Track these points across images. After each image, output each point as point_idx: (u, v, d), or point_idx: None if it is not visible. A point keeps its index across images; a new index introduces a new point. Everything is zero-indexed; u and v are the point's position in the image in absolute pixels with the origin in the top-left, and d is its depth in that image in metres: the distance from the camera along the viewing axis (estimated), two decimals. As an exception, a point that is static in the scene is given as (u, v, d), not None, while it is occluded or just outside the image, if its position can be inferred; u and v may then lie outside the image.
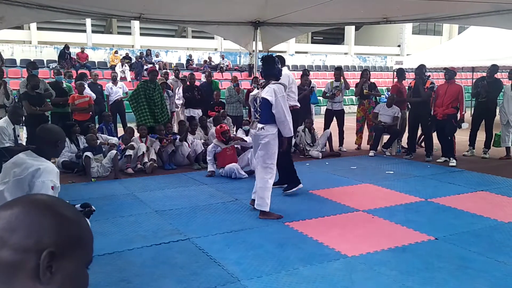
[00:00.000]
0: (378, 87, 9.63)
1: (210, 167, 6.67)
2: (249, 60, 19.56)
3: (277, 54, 5.56)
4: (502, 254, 3.60)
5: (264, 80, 4.74)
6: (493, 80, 7.94)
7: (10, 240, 0.74)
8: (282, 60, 5.21)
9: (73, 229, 0.79)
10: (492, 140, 8.05)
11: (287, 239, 3.99)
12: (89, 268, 0.84)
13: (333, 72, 9.33)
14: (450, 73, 7.47)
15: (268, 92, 4.48)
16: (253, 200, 4.76)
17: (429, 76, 8.54)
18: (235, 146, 6.97)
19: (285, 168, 5.52)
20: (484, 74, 8.71)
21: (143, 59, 18.20)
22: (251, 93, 4.96)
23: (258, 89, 4.64)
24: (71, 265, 0.77)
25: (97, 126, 7.82)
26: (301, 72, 9.30)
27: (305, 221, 4.51)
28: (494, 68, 8.00)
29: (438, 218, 4.59)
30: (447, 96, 7.30)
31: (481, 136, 8.10)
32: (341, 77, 8.69)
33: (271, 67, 4.62)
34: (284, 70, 5.38)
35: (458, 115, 7.41)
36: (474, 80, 9.16)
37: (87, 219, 0.87)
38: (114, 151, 6.53)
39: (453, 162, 7.30)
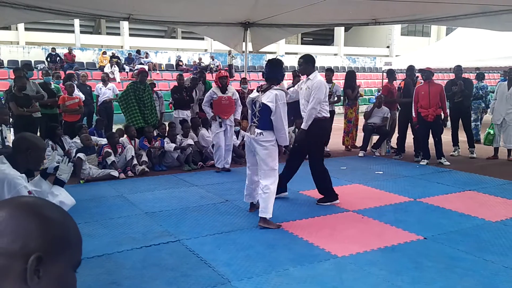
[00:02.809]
0: (367, 88, 9.70)
1: (209, 112, 6.96)
2: (229, 60, 19.60)
3: (306, 54, 5.37)
4: (489, 253, 3.65)
5: (266, 84, 4.52)
6: (466, 80, 8.06)
7: None
8: (312, 62, 5.17)
9: (60, 231, 0.78)
10: (484, 138, 8.15)
11: (277, 240, 3.99)
12: (77, 271, 0.83)
13: (323, 73, 9.36)
14: (427, 73, 7.48)
15: (269, 98, 4.31)
16: (249, 201, 4.88)
17: (418, 77, 8.62)
18: (233, 98, 7.05)
19: (319, 178, 5.18)
20: (472, 75, 8.82)
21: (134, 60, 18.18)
22: (250, 95, 4.71)
23: (258, 91, 4.49)
24: (59, 268, 0.77)
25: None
26: (291, 73, 9.33)
27: (296, 222, 4.53)
28: (459, 69, 8.11)
29: (427, 218, 4.63)
30: (432, 97, 7.27)
31: (460, 136, 8.23)
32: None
33: (276, 70, 4.50)
34: (318, 76, 5.06)
35: (442, 114, 7.46)
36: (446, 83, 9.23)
37: (74, 221, 0.85)
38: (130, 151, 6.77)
39: (446, 162, 7.39)
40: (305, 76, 5.30)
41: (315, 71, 5.14)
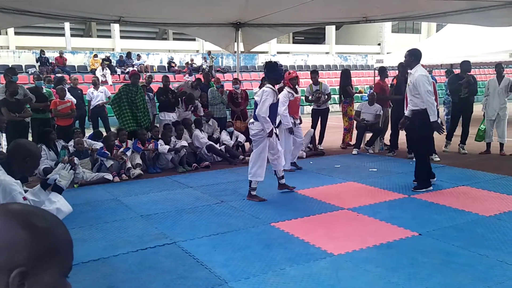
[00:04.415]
0: (360, 86, 9.75)
1: (289, 122, 6.56)
2: (209, 61, 19.67)
3: (413, 48, 5.63)
4: (484, 247, 3.68)
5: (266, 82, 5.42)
6: (470, 76, 8.09)
7: None
8: (415, 55, 5.43)
9: (48, 239, 0.77)
10: (475, 135, 8.21)
11: (273, 239, 4.00)
12: (69, 276, 0.82)
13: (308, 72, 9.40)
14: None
15: (257, 94, 5.34)
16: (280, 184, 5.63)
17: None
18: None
19: (423, 165, 5.58)
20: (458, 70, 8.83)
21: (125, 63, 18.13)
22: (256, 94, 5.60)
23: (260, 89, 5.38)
24: (48, 277, 0.75)
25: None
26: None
27: (291, 221, 4.53)
28: (468, 64, 8.10)
29: (421, 214, 4.66)
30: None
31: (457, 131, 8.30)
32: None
33: (270, 71, 5.35)
34: (418, 71, 5.38)
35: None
36: (450, 77, 9.26)
37: (65, 226, 0.83)
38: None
39: (437, 158, 7.45)
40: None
41: (417, 65, 5.41)
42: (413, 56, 5.45)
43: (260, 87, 5.08)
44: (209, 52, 20.66)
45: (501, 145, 7.89)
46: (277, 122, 5.90)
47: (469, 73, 8.15)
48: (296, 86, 6.88)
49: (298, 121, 7.00)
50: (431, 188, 5.56)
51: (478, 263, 3.37)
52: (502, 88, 7.74)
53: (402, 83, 7.86)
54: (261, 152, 5.28)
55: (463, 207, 4.82)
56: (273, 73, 5.31)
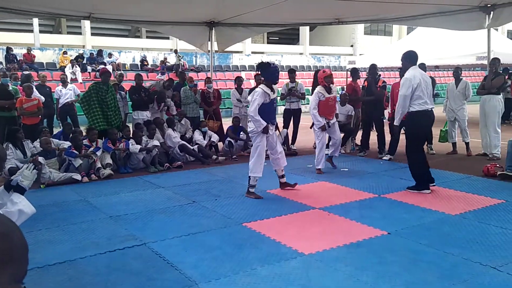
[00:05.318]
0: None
1: (320, 120, 6.62)
2: (177, 60, 19.59)
3: (408, 50, 5.54)
4: (450, 245, 3.77)
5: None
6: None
7: None
8: (409, 58, 5.40)
9: (4, 244, 0.74)
10: (438, 136, 8.43)
11: (245, 239, 3.99)
12: (23, 282, 0.79)
13: (286, 72, 9.45)
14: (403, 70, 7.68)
15: (250, 94, 5.62)
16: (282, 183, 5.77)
17: (381, 75, 8.81)
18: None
19: (413, 166, 5.52)
20: (433, 73, 9.07)
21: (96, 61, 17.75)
22: None
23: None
24: (1, 282, 0.73)
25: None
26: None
27: (263, 221, 4.54)
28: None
29: (390, 213, 4.74)
30: None
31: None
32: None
33: (263, 72, 5.48)
34: (408, 73, 5.31)
35: None
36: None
37: (20, 231, 0.80)
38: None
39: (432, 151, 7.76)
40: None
41: (410, 68, 5.33)
42: (408, 59, 5.41)
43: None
44: (175, 51, 20.49)
45: (467, 144, 8.12)
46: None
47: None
48: (331, 85, 6.75)
49: (333, 121, 6.88)
50: (428, 191, 5.45)
51: (444, 261, 3.45)
52: (459, 91, 8.01)
53: (372, 84, 7.99)
54: (258, 147, 5.42)
55: (430, 206, 4.93)
56: (266, 73, 5.41)
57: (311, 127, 7.34)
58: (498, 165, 6.48)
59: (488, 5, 7.63)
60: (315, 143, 9.19)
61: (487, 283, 3.07)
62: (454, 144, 8.31)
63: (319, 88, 6.72)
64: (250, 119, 5.56)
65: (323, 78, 6.69)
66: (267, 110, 5.36)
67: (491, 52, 8.64)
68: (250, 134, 5.68)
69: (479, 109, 7.95)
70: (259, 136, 5.41)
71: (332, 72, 7.30)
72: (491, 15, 7.75)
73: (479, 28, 8.17)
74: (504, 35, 23.90)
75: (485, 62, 8.97)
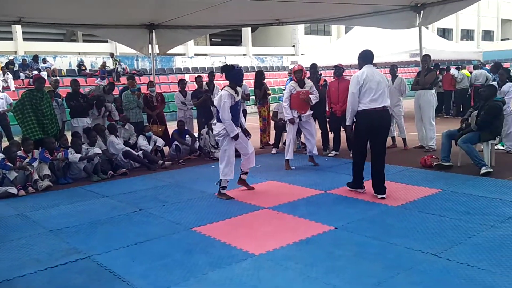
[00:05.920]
0: (276, 87, 9.96)
1: (289, 113, 6.86)
2: (113, 64, 19.22)
3: (363, 50, 5.37)
4: (393, 236, 3.92)
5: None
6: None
7: None
8: (362, 58, 5.30)
9: None
10: None
11: (194, 244, 3.93)
12: None
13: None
14: (339, 70, 7.92)
15: (216, 98, 5.45)
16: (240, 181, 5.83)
17: (321, 74, 9.03)
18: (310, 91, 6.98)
19: (352, 164, 5.51)
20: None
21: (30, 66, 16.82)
22: None
23: None
24: None
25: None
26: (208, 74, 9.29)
27: (212, 224, 4.50)
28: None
29: (336, 209, 4.86)
30: (341, 92, 7.54)
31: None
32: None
33: (226, 74, 5.41)
34: (362, 69, 5.21)
35: None
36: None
37: None
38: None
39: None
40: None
41: (364, 66, 5.24)
42: (362, 58, 5.32)
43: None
44: (112, 55, 19.91)
45: (404, 140, 8.50)
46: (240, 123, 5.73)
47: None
48: (305, 80, 7.04)
49: (306, 115, 6.99)
50: (363, 190, 5.41)
51: (388, 252, 3.59)
52: (395, 87, 8.37)
53: (314, 83, 8.15)
54: (226, 150, 5.41)
55: (373, 200, 5.11)
56: (230, 75, 5.41)
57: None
58: (434, 156, 6.85)
59: (418, 5, 8.03)
60: (260, 143, 9.34)
61: (428, 269, 3.22)
62: (393, 138, 8.66)
63: (291, 82, 7.05)
64: (215, 121, 5.56)
65: (293, 72, 7.10)
66: (232, 113, 5.31)
67: (423, 49, 9.09)
68: (216, 137, 5.64)
69: (414, 103, 8.37)
70: (225, 138, 5.40)
71: (276, 73, 7.45)
72: (421, 14, 8.17)
73: (411, 27, 8.57)
74: (434, 33, 25.35)
75: (418, 59, 9.42)
